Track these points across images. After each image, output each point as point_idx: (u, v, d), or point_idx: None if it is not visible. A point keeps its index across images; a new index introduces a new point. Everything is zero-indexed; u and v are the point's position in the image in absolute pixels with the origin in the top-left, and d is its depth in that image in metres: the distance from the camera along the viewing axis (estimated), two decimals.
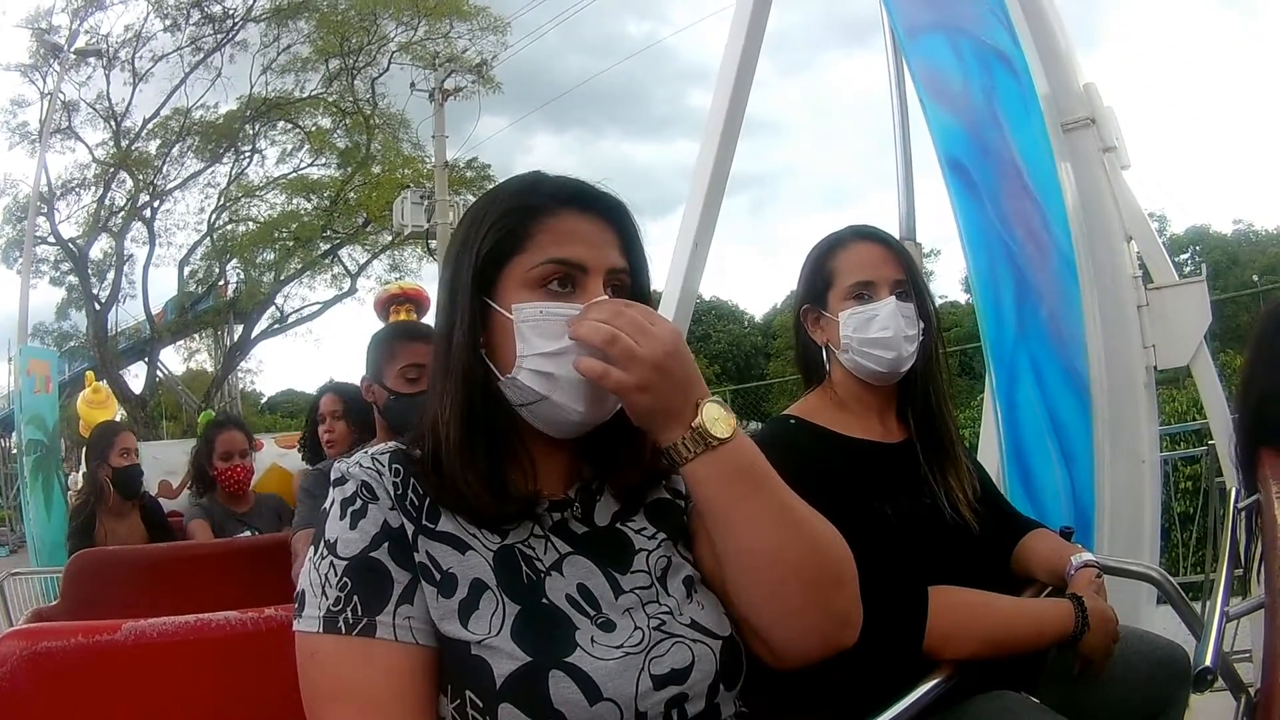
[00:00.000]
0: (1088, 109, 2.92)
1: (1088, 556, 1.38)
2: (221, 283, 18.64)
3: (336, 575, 0.84)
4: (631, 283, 0.95)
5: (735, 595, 0.92)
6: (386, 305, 5.13)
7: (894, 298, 1.38)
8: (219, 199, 18.11)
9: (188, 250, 18.34)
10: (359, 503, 0.88)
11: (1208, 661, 0.88)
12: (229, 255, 18.23)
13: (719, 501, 0.88)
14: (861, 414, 1.44)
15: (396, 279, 17.39)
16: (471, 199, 16.16)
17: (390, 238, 17.83)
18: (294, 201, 18.19)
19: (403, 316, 5.06)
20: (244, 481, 3.14)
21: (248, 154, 17.98)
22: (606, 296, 0.90)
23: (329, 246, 18.47)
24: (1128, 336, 2.84)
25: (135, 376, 19.44)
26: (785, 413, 1.48)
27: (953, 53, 2.65)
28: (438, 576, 0.86)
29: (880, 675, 1.14)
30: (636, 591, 0.92)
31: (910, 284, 1.41)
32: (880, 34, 3.07)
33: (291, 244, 18.02)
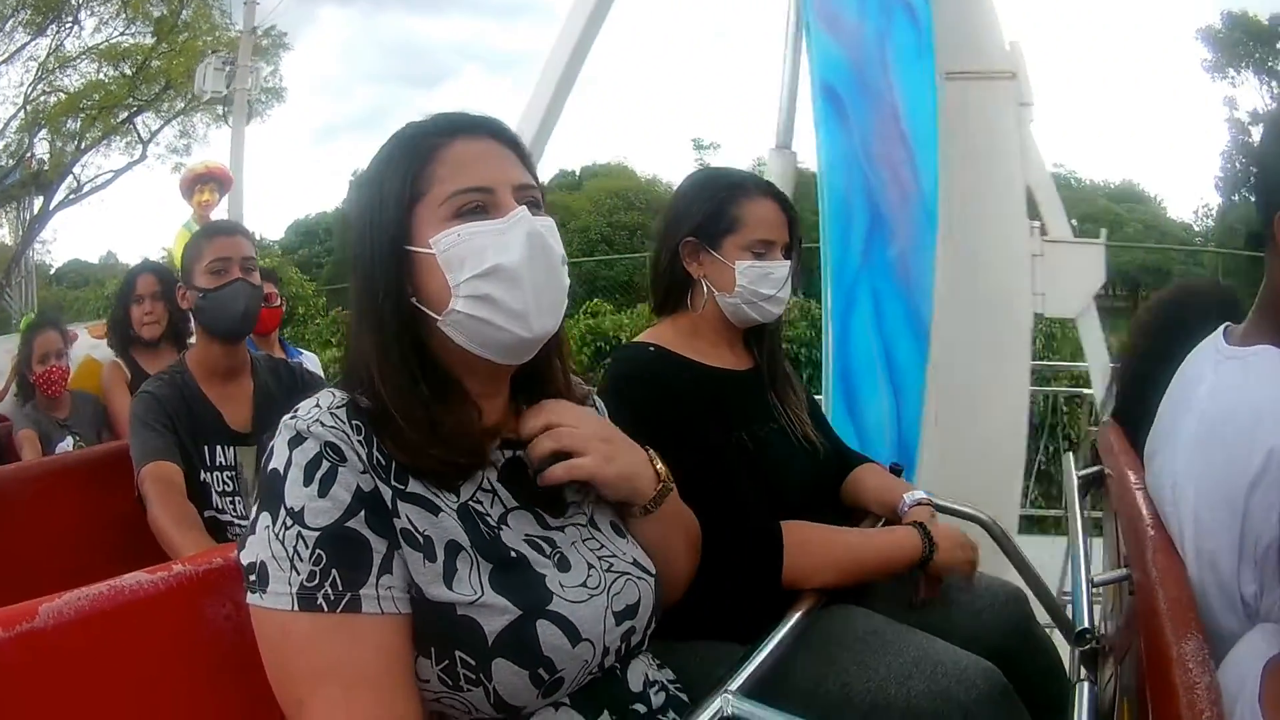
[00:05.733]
0: (1011, 64, 3.08)
1: (921, 494, 1.51)
2: (29, 155, 18.09)
3: (308, 547, 0.78)
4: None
5: None
6: (192, 185, 4.85)
7: (787, 260, 1.46)
8: (37, 71, 17.59)
9: (3, 124, 17.69)
10: (325, 465, 0.81)
11: (1085, 622, 1.00)
12: (40, 127, 17.86)
13: (668, 534, 1.04)
14: (715, 344, 1.49)
15: (185, 145, 18.60)
16: (266, 67, 17.17)
17: (182, 104, 17.88)
18: (102, 70, 17.87)
19: (206, 196, 4.80)
20: (59, 382, 2.94)
21: (69, 24, 17.37)
22: (523, 209, 0.89)
23: (127, 114, 18.33)
24: (1015, 281, 3.03)
25: None
26: (641, 340, 1.50)
27: None
28: (420, 540, 0.83)
29: (746, 609, 1.26)
30: (575, 528, 0.96)
31: (793, 247, 1.48)
32: None
33: (96, 113, 17.77)
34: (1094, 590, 1.11)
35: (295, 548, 0.78)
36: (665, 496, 1.01)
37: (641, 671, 0.96)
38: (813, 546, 1.32)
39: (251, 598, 0.80)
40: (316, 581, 0.78)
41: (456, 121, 0.93)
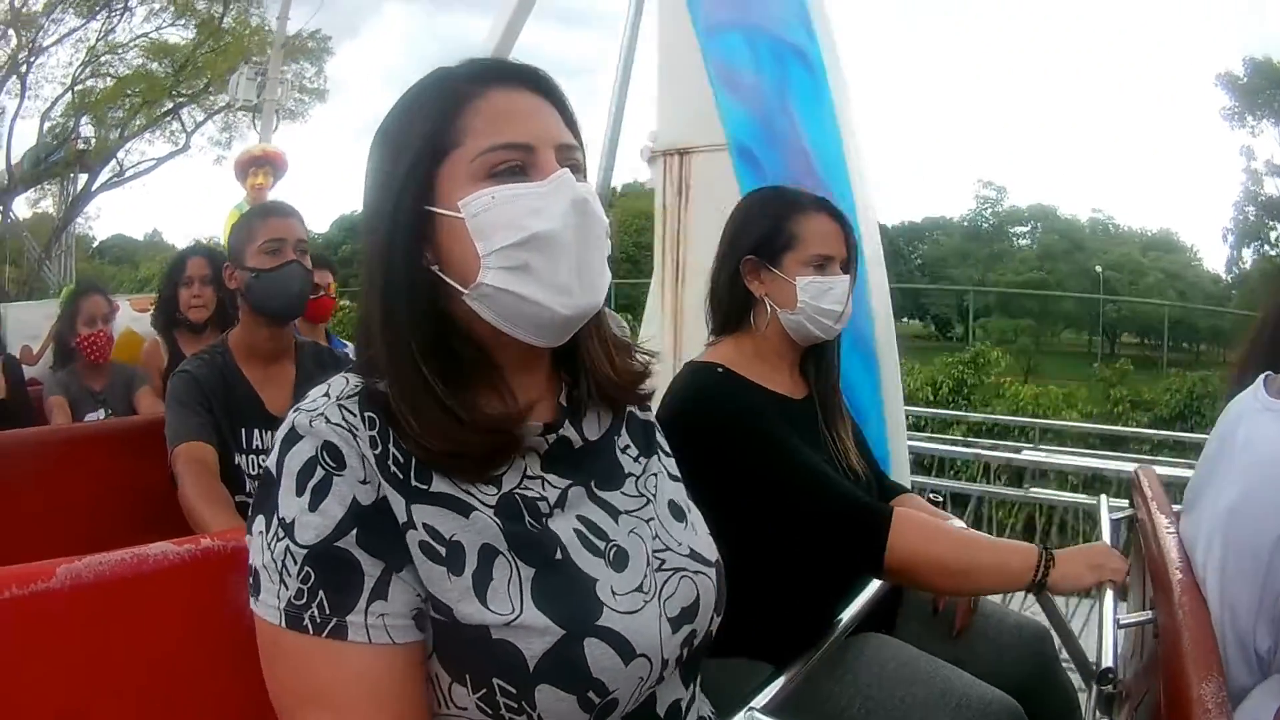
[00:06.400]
0: None
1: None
2: (74, 137, 18.87)
3: (296, 564, 0.72)
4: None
5: None
6: (246, 167, 4.91)
7: (846, 275, 1.46)
8: (86, 55, 18.29)
9: (49, 104, 18.47)
10: (319, 474, 0.73)
11: (1109, 662, 0.98)
12: (85, 111, 18.57)
13: None
14: (776, 367, 1.49)
15: (226, 139, 19.39)
16: (310, 68, 19.22)
17: (225, 102, 18.47)
18: (147, 64, 18.76)
19: (260, 180, 4.85)
20: (106, 348, 2.95)
21: (120, 9, 18.08)
22: (566, 172, 0.79)
23: (172, 105, 19.22)
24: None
25: None
26: (706, 360, 1.48)
27: (749, 48, 2.84)
28: (443, 551, 0.74)
29: (787, 629, 1.24)
30: (633, 514, 0.87)
31: (851, 261, 1.49)
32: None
33: (139, 102, 18.55)
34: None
35: (284, 562, 0.72)
36: None
37: (696, 708, 0.90)
38: (924, 532, 1.27)
39: (250, 599, 0.76)
40: (304, 601, 0.72)
41: (494, 68, 0.82)
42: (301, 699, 0.73)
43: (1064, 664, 1.54)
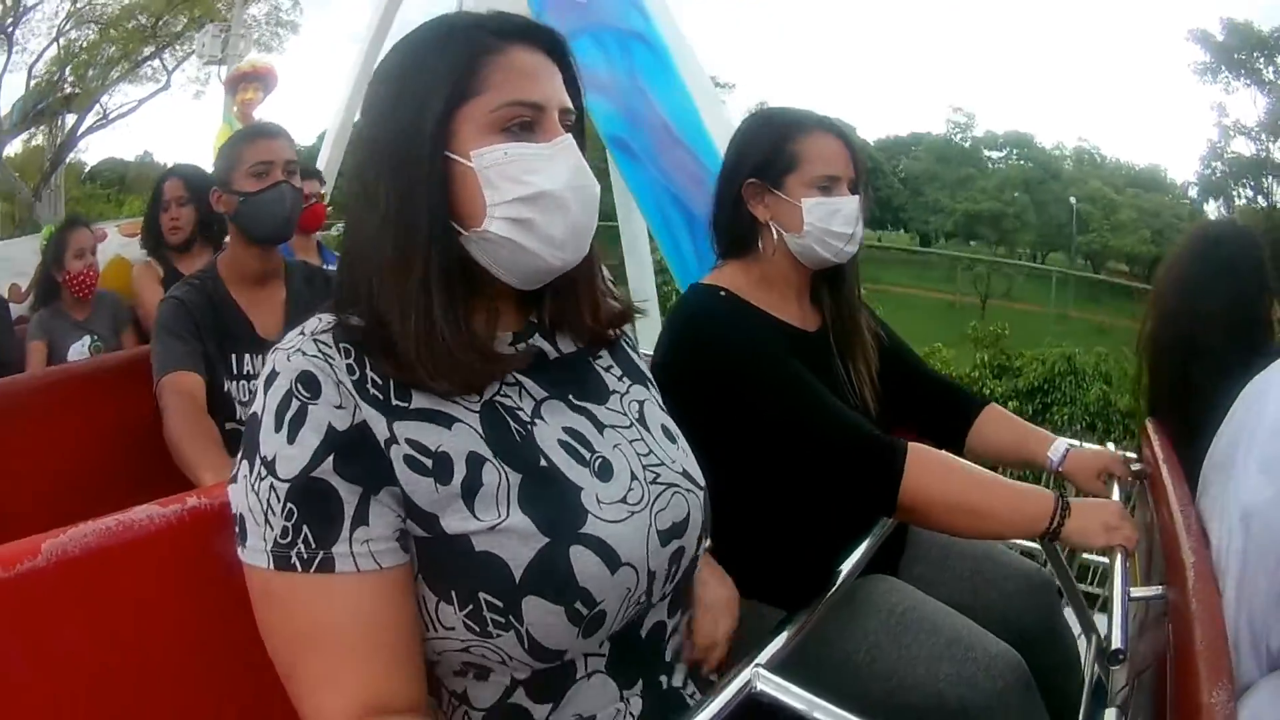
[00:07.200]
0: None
1: (1068, 443, 1.46)
2: (61, 84, 19.61)
3: (279, 501, 0.72)
4: (573, 124, 0.87)
5: None
6: (236, 82, 4.80)
7: (854, 195, 1.40)
8: (70, 3, 18.82)
9: (35, 58, 18.97)
10: (295, 405, 0.74)
11: (1119, 643, 0.96)
12: (71, 59, 19.23)
13: None
14: (784, 295, 1.45)
15: (205, 76, 19.57)
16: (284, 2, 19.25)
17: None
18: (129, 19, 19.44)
19: (249, 94, 4.73)
20: (92, 284, 2.92)
21: None
22: (569, 137, 0.83)
23: (151, 51, 19.92)
24: None
25: None
26: (709, 283, 1.44)
27: (599, 48, 3.07)
28: (428, 463, 0.76)
29: (795, 572, 1.23)
30: (619, 430, 0.89)
31: (860, 182, 1.42)
32: None
33: (125, 47, 19.43)
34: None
35: (268, 501, 0.73)
36: None
37: (676, 642, 0.92)
38: (940, 469, 1.22)
39: (238, 550, 0.76)
40: (289, 539, 0.73)
41: (519, 25, 0.85)
42: (298, 646, 0.73)
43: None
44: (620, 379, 0.95)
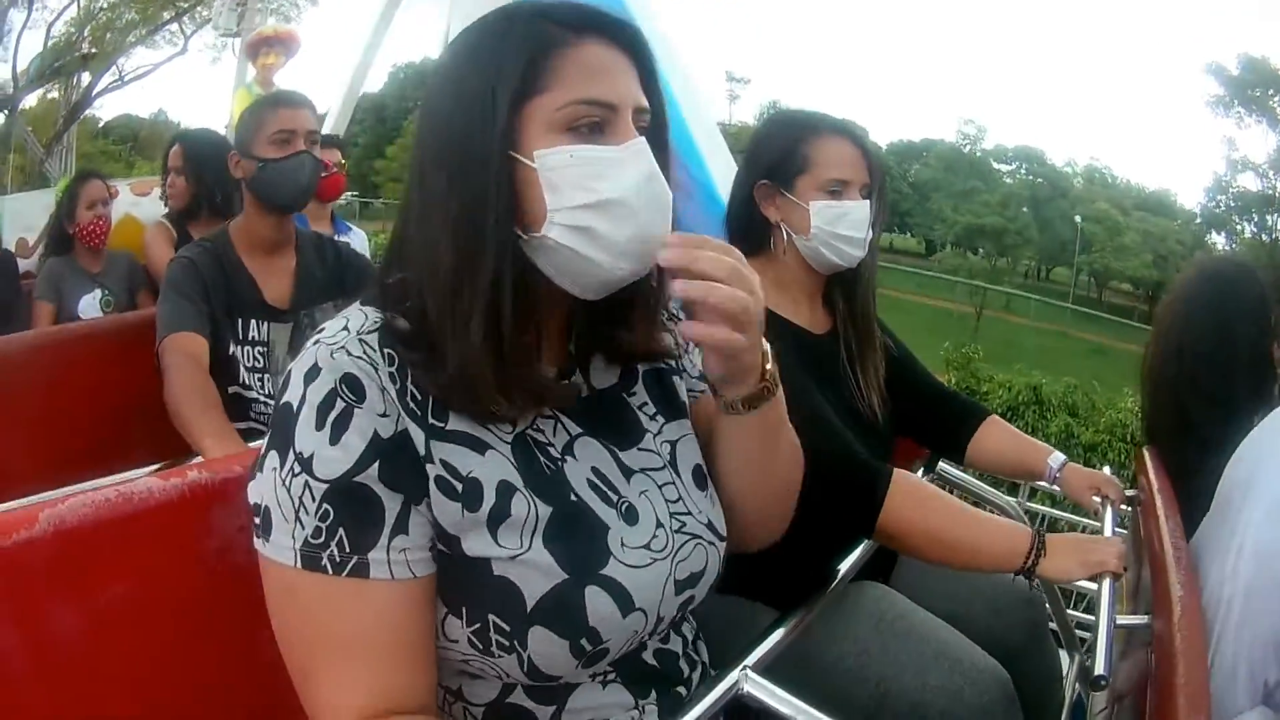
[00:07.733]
0: None
1: (1063, 457, 1.49)
2: (79, 43, 19.69)
3: (314, 500, 0.70)
4: (651, 124, 0.81)
5: (732, 498, 0.93)
6: (256, 47, 4.75)
7: (865, 200, 1.40)
8: None
9: (56, 15, 19.12)
10: (340, 406, 0.71)
11: (1101, 670, 0.97)
12: (90, 20, 19.42)
13: (758, 448, 0.89)
14: (796, 299, 1.45)
15: (223, 43, 18.99)
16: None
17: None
18: None
19: (270, 59, 4.69)
20: (104, 234, 2.92)
21: None
22: (643, 141, 0.77)
23: (170, 16, 20.06)
24: None
25: None
26: None
27: None
28: (459, 487, 0.74)
29: (789, 573, 1.20)
30: (648, 473, 0.86)
31: (873, 188, 1.42)
32: None
33: (139, 19, 19.63)
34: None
35: (301, 498, 0.70)
36: (771, 394, 0.84)
37: (687, 650, 0.91)
38: (920, 500, 1.24)
39: (257, 541, 0.74)
40: (322, 539, 0.70)
41: (594, 18, 0.79)
42: (317, 646, 0.72)
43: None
44: (654, 417, 0.91)
